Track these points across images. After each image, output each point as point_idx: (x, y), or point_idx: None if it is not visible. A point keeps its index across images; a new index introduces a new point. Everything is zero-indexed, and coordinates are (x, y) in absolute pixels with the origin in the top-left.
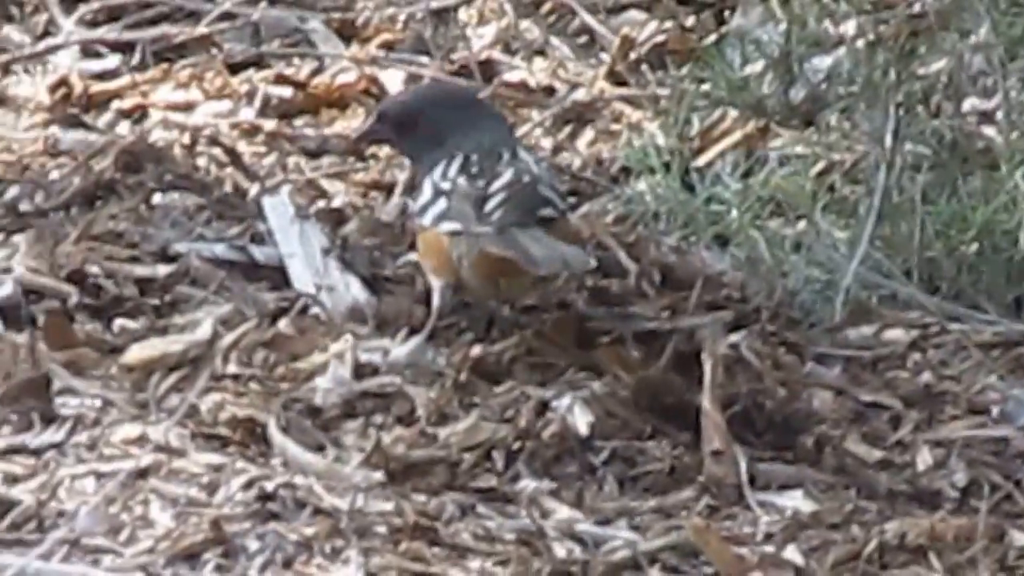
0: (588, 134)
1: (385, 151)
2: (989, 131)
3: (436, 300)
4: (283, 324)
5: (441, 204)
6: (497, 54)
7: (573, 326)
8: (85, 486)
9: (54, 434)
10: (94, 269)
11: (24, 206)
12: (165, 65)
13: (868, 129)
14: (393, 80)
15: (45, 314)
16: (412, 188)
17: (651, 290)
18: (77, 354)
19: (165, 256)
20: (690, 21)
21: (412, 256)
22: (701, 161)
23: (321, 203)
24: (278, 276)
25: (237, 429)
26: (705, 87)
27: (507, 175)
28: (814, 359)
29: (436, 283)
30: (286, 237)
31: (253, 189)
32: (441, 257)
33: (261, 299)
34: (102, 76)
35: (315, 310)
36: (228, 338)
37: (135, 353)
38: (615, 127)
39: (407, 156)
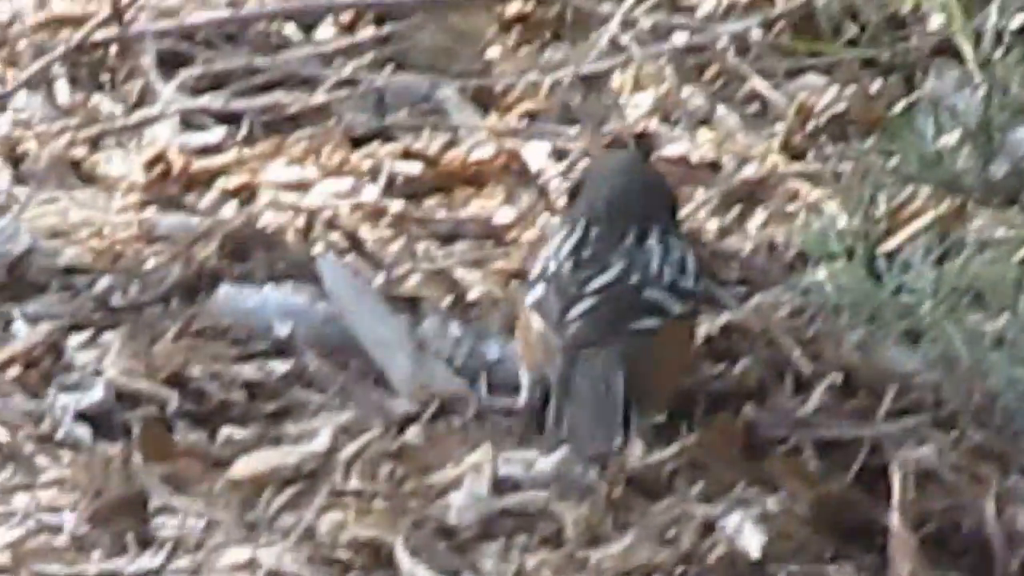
0: (759, 215)
1: (527, 235)
2: None
3: (523, 394)
4: (412, 433)
5: (539, 290)
6: (655, 125)
7: (742, 434)
8: None
9: (152, 559)
10: (196, 371)
11: (116, 300)
12: (277, 138)
13: None
14: (536, 154)
15: (141, 422)
16: None
17: (832, 394)
18: (177, 467)
19: (277, 356)
20: (875, 86)
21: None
22: (889, 246)
23: (453, 295)
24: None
25: (360, 552)
26: (893, 161)
27: (613, 271)
28: (1019, 471)
29: (524, 373)
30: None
31: (378, 279)
32: (528, 346)
33: (387, 405)
34: (205, 151)
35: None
36: (349, 449)
37: (243, 466)
38: (790, 207)
39: None
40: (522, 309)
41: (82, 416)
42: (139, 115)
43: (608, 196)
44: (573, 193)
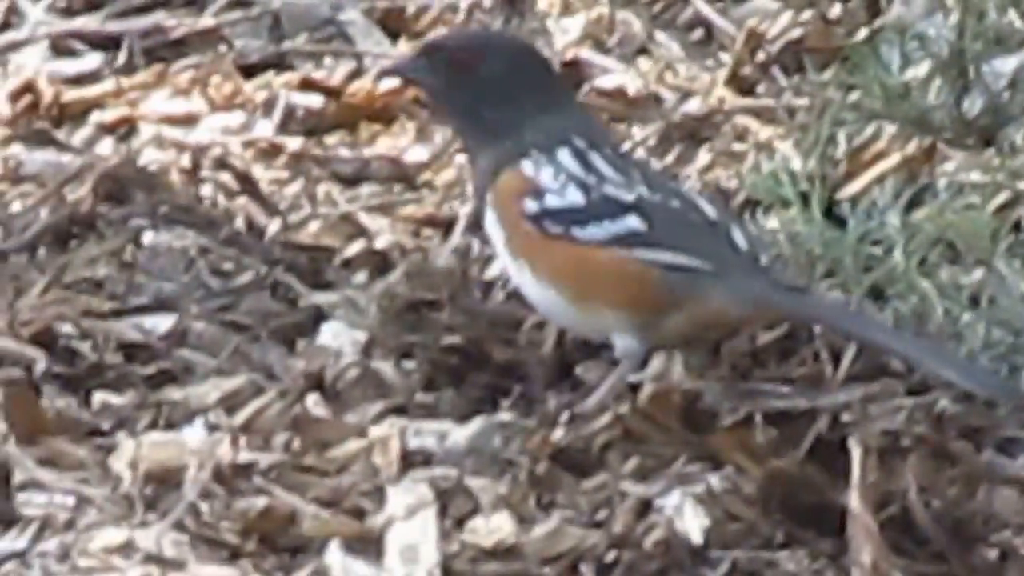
0: (704, 156)
1: (442, 178)
2: None
3: (625, 360)
4: (312, 400)
5: (633, 222)
6: (587, 53)
7: (681, 403)
8: None
9: (15, 540)
10: (67, 328)
11: None
12: (159, 66)
13: None
14: None
15: (4, 386)
16: (477, 223)
17: (784, 358)
18: (45, 437)
19: (159, 312)
20: (835, 11)
21: (509, 260)
22: (850, 191)
23: (360, 244)
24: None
25: (251, 535)
26: (854, 96)
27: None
28: (995, 446)
29: (623, 333)
30: None
31: (272, 226)
32: (631, 295)
33: (283, 369)
34: (78, 80)
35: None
36: (239, 418)
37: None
38: (739, 147)
39: (457, 122)
40: (577, 247)
41: None
42: (4, 39)
43: (553, 109)
44: (459, 64)
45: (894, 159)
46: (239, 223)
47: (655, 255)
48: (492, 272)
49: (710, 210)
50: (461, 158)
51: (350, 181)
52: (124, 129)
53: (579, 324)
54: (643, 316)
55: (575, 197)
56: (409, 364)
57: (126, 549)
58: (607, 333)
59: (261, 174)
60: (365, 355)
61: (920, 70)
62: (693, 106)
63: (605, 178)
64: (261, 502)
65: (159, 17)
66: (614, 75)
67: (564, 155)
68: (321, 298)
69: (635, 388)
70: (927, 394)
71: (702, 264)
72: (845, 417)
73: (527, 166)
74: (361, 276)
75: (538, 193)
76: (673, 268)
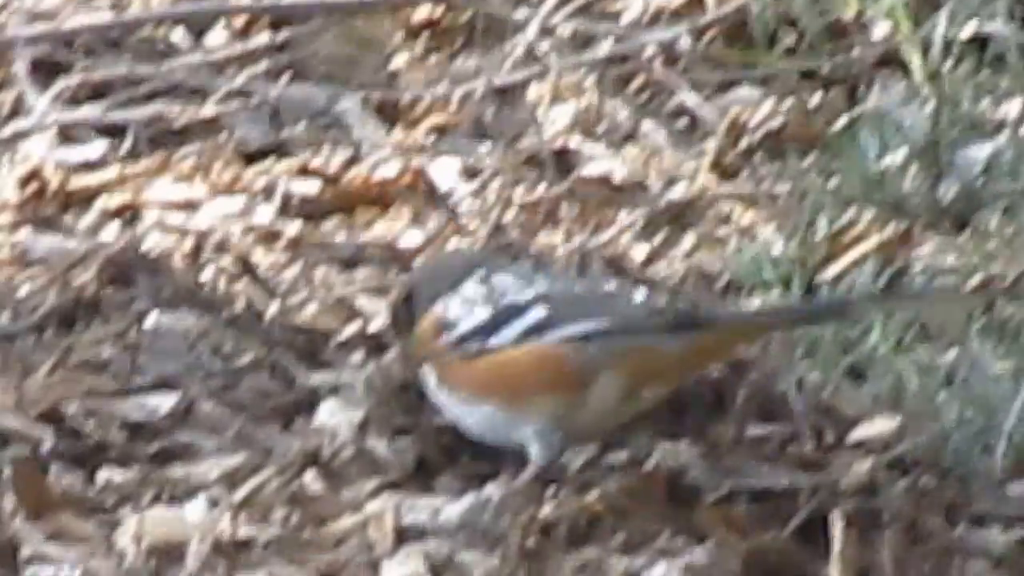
0: (688, 240)
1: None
2: None
3: (537, 448)
4: (309, 477)
5: (537, 312)
6: (575, 141)
7: (667, 480)
8: None
9: None
10: (73, 407)
11: None
12: (162, 154)
13: None
14: (446, 172)
15: (12, 463)
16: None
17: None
18: (52, 513)
19: (161, 391)
20: (815, 100)
21: (443, 397)
22: (829, 273)
23: (355, 325)
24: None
25: None
26: (834, 182)
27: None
28: (969, 520)
29: (533, 422)
30: None
31: (271, 308)
32: (552, 377)
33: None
34: (84, 167)
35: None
36: (239, 495)
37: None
38: (722, 231)
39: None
40: (490, 355)
41: None
42: (11, 128)
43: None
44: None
45: (872, 243)
46: (239, 306)
47: (562, 332)
48: None
49: (612, 287)
50: (454, 243)
51: (347, 264)
52: (128, 215)
53: (511, 431)
54: (570, 395)
55: (482, 314)
56: (402, 443)
57: None
58: (534, 431)
59: (260, 258)
60: (360, 434)
61: (897, 157)
62: (678, 192)
63: (506, 290)
64: (261, 575)
65: (162, 106)
66: (602, 162)
67: (468, 286)
68: (318, 378)
69: (621, 467)
70: (904, 471)
71: (605, 324)
72: (824, 495)
73: (437, 307)
74: (357, 357)
75: (450, 325)
76: (582, 338)
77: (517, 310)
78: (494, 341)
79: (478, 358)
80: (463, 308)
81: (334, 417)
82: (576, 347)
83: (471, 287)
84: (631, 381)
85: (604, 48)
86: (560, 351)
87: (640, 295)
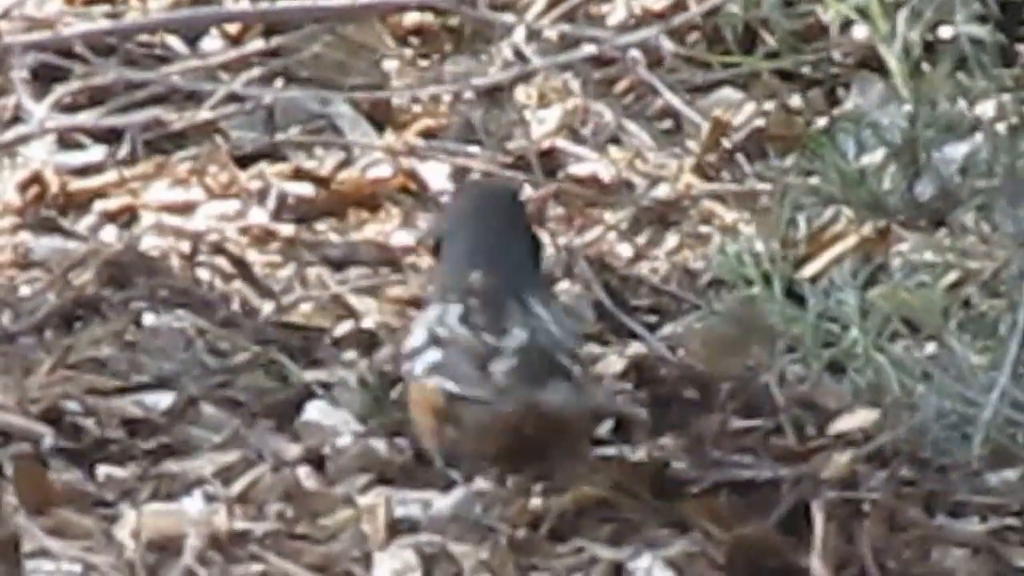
0: (672, 238)
1: (427, 261)
2: None
3: (437, 462)
4: (303, 472)
5: (434, 354)
6: (562, 142)
7: (652, 473)
8: None
9: None
10: (73, 405)
11: None
12: (159, 158)
13: (1011, 231)
14: (436, 174)
15: (13, 460)
16: None
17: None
18: (53, 508)
19: (159, 389)
20: (795, 101)
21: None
22: (809, 271)
23: (349, 324)
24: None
25: None
26: (813, 181)
27: (520, 335)
28: (947, 510)
29: (429, 446)
30: None
31: (266, 307)
32: (432, 419)
33: (276, 443)
34: (82, 171)
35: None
36: (235, 490)
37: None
38: (705, 230)
39: None
40: (410, 382)
41: None
42: (11, 133)
43: (482, 266)
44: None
45: (851, 241)
46: (235, 305)
47: (436, 380)
48: None
49: (517, 335)
50: None
51: (339, 265)
52: (126, 217)
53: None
54: (437, 441)
55: (417, 339)
56: (398, 439)
57: None
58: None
59: (255, 259)
60: (354, 430)
61: (875, 157)
62: (662, 192)
63: (447, 324)
64: (256, 568)
65: (159, 111)
66: (588, 163)
67: (430, 309)
68: (312, 376)
69: (609, 460)
70: (884, 462)
71: (454, 387)
72: (806, 486)
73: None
74: (350, 354)
75: (404, 346)
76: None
77: (429, 344)
78: (412, 368)
79: (408, 381)
80: (416, 331)
81: (328, 414)
82: (447, 401)
83: (431, 310)
84: (479, 435)
85: (589, 50)
86: (436, 396)
87: (503, 363)
